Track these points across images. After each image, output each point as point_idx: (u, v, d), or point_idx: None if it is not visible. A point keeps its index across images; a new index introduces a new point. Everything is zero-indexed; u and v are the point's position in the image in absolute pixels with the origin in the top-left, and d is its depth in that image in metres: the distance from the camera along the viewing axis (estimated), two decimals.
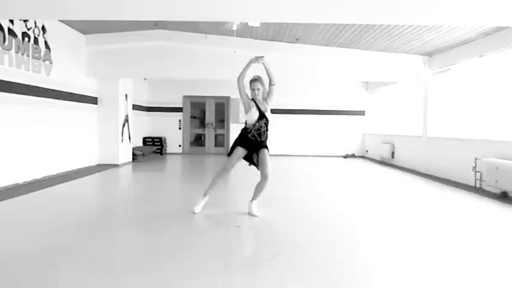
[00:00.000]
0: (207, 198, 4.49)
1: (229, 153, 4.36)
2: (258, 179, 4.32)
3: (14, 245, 3.22)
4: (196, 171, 9.29)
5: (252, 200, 4.41)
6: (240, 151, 4.29)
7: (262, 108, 4.25)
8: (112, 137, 9.18)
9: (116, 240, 3.52)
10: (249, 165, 4.46)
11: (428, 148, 8.48)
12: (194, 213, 4.36)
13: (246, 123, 4.35)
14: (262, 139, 4.26)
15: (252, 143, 4.26)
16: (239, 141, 4.32)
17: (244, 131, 4.30)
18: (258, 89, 4.27)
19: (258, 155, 4.31)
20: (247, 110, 4.28)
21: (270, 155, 4.36)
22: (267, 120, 4.27)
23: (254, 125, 4.23)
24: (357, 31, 7.34)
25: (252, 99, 4.31)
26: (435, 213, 4.80)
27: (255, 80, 4.31)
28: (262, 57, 4.20)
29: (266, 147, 4.31)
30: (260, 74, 4.44)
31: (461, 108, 7.63)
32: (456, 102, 7.82)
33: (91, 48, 8.51)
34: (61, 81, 7.36)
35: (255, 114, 4.22)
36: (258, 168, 4.36)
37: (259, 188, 4.35)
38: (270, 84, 4.36)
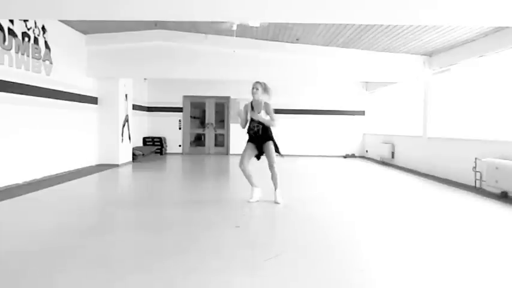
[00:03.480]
0: (256, 188, 5.10)
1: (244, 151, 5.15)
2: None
3: (14, 245, 3.22)
4: (197, 172, 9.29)
5: (275, 190, 5.06)
6: (249, 145, 5.06)
7: (256, 111, 4.95)
8: (112, 137, 9.18)
9: (116, 240, 3.52)
10: (258, 159, 5.13)
11: (429, 148, 8.48)
12: (249, 201, 5.02)
13: None
14: (260, 134, 4.96)
15: (255, 138, 5.01)
16: (248, 138, 5.11)
17: (248, 130, 5.08)
18: (257, 89, 4.95)
19: (264, 148, 4.99)
20: (242, 117, 5.08)
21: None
22: (259, 123, 4.94)
23: (249, 125, 5.03)
24: (357, 31, 7.34)
25: (251, 103, 5.03)
26: (435, 213, 4.80)
27: (256, 82, 5.02)
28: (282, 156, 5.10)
29: (270, 139, 4.98)
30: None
31: (461, 108, 7.63)
32: (456, 102, 7.82)
33: (91, 48, 8.51)
34: (61, 81, 7.36)
35: (249, 118, 5.03)
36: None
37: (272, 178, 5.04)
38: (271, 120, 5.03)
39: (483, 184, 6.24)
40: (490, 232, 3.97)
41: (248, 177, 5.07)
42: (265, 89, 5.00)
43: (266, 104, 4.95)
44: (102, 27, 8.01)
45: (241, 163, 5.02)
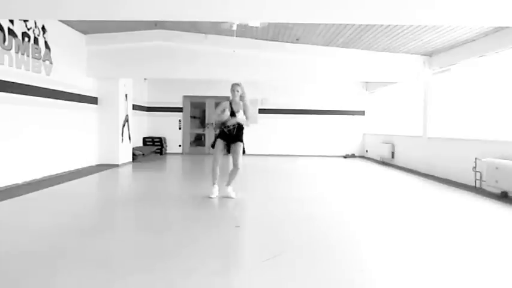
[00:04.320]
0: (216, 186, 5.29)
1: (213, 145, 5.30)
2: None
3: (14, 245, 3.22)
4: (196, 172, 9.29)
5: (227, 185, 5.27)
6: (219, 142, 5.21)
7: (235, 110, 5.12)
8: (112, 137, 9.17)
9: (116, 240, 3.52)
10: (226, 154, 5.29)
11: (429, 148, 8.48)
12: (211, 197, 5.19)
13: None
14: (234, 133, 5.16)
15: (227, 136, 5.19)
16: (218, 135, 5.27)
17: (222, 127, 5.23)
18: (238, 91, 5.16)
19: (232, 147, 5.18)
20: (221, 112, 5.14)
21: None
22: (236, 122, 5.14)
23: (225, 123, 5.14)
24: (357, 31, 7.33)
25: (230, 102, 5.18)
26: (435, 213, 4.80)
27: (236, 84, 5.20)
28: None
29: (241, 141, 5.19)
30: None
31: (461, 108, 7.63)
32: (456, 102, 7.82)
33: (91, 48, 8.50)
34: (61, 81, 7.36)
35: (227, 115, 5.11)
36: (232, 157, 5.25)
37: (231, 175, 5.26)
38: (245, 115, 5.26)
39: (483, 184, 6.24)
40: (490, 232, 3.97)
41: (214, 174, 5.26)
42: (243, 91, 5.23)
43: (245, 105, 5.21)
44: (102, 27, 8.01)
45: (215, 161, 5.23)
